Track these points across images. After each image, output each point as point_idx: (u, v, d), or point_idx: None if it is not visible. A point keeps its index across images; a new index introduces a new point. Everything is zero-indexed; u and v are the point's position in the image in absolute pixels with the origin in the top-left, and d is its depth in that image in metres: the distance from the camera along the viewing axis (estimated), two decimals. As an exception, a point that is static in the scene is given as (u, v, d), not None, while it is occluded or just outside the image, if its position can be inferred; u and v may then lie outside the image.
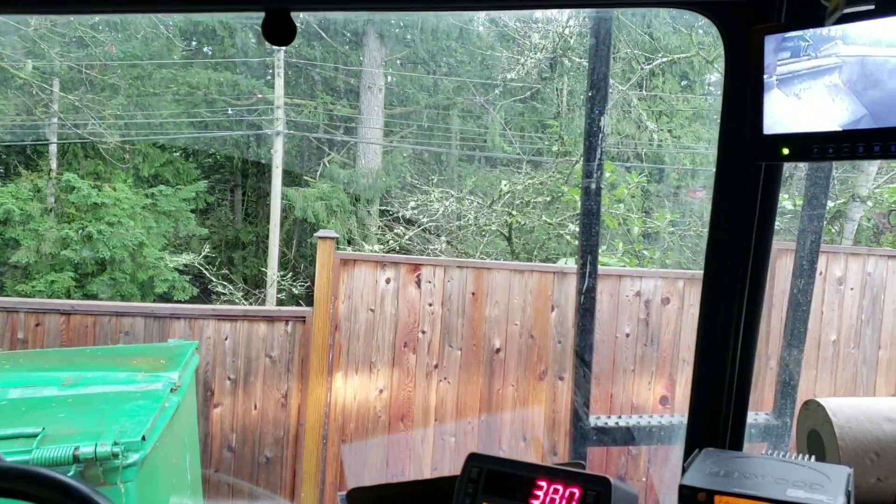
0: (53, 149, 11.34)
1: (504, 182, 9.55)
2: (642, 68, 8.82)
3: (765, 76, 1.17)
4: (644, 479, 5.28)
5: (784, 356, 3.48)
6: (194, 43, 12.69)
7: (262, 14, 1.22)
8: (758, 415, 3.58)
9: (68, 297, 10.05)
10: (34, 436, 2.57)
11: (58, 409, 2.97)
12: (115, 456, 2.54)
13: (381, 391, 5.30)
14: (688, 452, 1.44)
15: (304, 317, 5.27)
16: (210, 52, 12.51)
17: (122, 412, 2.93)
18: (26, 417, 2.85)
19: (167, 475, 3.21)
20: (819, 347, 5.57)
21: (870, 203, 8.32)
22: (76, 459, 2.50)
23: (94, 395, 3.13)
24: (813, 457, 1.31)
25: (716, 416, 1.51)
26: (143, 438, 2.66)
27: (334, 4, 1.38)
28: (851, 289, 5.61)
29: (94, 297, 10.27)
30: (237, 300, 10.54)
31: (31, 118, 10.99)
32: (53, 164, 11.34)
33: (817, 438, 1.94)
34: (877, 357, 5.64)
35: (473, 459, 1.32)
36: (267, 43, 1.31)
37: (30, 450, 2.49)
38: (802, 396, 3.46)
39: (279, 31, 1.22)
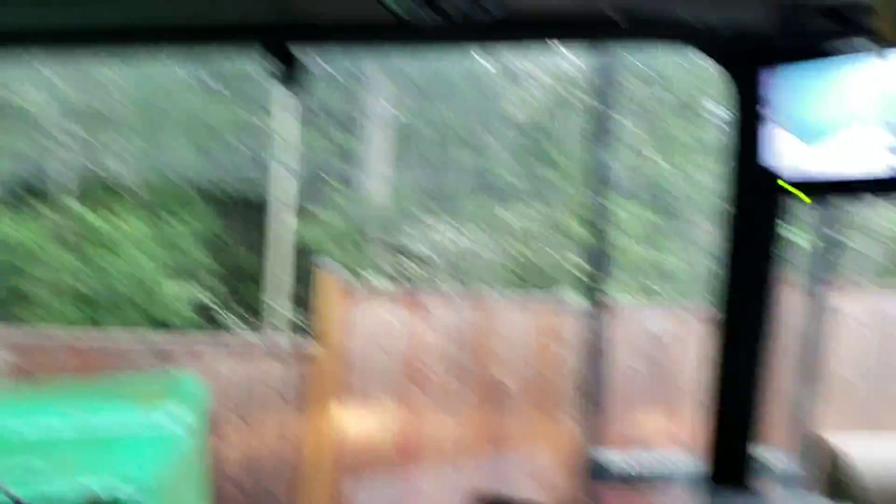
0: (64, 181, 11.48)
1: (511, 216, 9.56)
2: (645, 101, 8.86)
3: (771, 112, 1.16)
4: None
5: (796, 392, 3.43)
6: (202, 78, 12.88)
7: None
8: (769, 451, 3.52)
9: (75, 327, 10.04)
10: (42, 473, 2.54)
11: (66, 447, 2.94)
12: (124, 495, 2.52)
13: (386, 426, 5.24)
14: (699, 489, 1.42)
15: (309, 350, 5.24)
16: (219, 89, 12.68)
17: (132, 450, 2.90)
18: (34, 454, 2.82)
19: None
20: (832, 384, 5.48)
21: (884, 238, 8.25)
22: (85, 497, 2.47)
23: (103, 432, 3.10)
24: (825, 499, 1.28)
25: (728, 452, 1.49)
26: (152, 477, 2.63)
27: (334, 41, 1.39)
28: (865, 325, 5.54)
29: (102, 328, 10.27)
30: (243, 333, 10.52)
31: (43, 152, 11.14)
32: (63, 197, 11.47)
33: (831, 473, 1.90)
34: (891, 394, 5.54)
35: (480, 500, 1.29)
36: (271, 77, 1.32)
37: (38, 487, 2.46)
38: (815, 433, 3.40)
39: (279, 65, 1.22)
